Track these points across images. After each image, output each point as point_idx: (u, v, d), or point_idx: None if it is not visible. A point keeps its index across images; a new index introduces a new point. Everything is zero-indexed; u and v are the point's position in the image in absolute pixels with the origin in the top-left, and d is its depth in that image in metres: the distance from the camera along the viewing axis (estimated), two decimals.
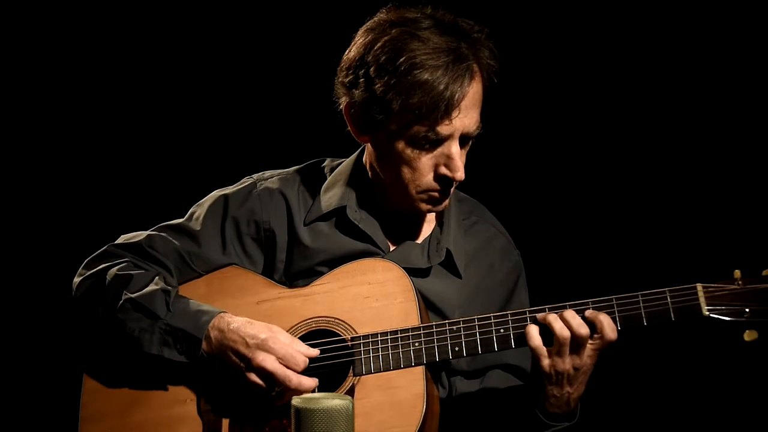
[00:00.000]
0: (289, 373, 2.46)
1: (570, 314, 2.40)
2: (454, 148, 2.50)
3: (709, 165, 3.52)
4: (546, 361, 2.41)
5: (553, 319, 2.40)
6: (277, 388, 2.47)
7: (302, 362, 2.47)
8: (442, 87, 2.42)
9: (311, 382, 2.47)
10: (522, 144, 3.69)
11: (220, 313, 2.54)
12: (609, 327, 2.39)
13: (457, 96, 2.43)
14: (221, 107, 3.88)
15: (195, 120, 3.89)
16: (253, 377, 2.48)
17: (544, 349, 2.41)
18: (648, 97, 3.59)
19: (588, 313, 2.41)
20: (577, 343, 2.39)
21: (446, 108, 2.43)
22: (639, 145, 3.60)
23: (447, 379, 2.67)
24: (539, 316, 2.43)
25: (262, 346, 2.47)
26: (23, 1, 3.80)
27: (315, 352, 2.50)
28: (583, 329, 2.38)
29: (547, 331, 2.42)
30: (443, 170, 2.52)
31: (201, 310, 2.56)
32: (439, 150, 2.51)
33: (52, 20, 3.83)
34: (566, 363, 2.41)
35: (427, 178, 2.53)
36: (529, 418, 2.51)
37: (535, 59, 3.63)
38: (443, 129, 2.47)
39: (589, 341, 2.40)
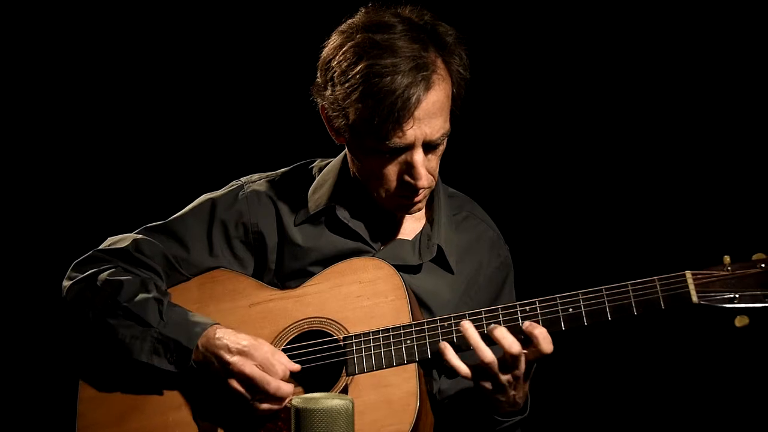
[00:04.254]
0: (268, 377, 2.46)
1: (500, 333, 2.38)
2: (417, 157, 2.46)
3: (695, 151, 3.52)
4: (485, 383, 2.41)
5: (480, 344, 2.39)
6: (257, 395, 2.47)
7: (280, 370, 2.47)
8: (393, 97, 2.38)
9: (289, 387, 2.47)
10: (509, 137, 3.69)
11: (213, 324, 2.54)
12: (545, 340, 2.38)
13: (408, 106, 2.39)
14: (210, 110, 3.88)
15: (184, 123, 3.88)
16: (234, 383, 2.48)
17: (476, 373, 2.40)
18: (633, 86, 3.59)
19: (525, 325, 2.40)
20: (513, 359, 2.37)
21: (397, 119, 2.40)
22: (625, 135, 3.60)
23: (438, 376, 2.67)
24: (469, 339, 2.40)
25: (242, 352, 2.48)
26: (23, 1, 3.81)
27: (296, 367, 2.51)
28: (515, 348, 2.37)
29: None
30: (407, 178, 2.50)
31: (194, 320, 2.56)
32: (402, 157, 2.48)
33: (42, 21, 3.83)
34: (503, 378, 2.40)
35: (394, 184, 2.52)
36: (484, 416, 2.51)
37: (518, 53, 3.63)
38: (397, 140, 2.44)
39: (524, 351, 2.39)
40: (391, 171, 2.51)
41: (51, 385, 3.74)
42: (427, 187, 2.52)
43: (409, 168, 2.49)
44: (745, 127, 3.46)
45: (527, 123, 3.68)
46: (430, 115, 2.44)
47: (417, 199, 2.55)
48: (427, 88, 2.41)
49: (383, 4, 2.56)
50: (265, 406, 2.48)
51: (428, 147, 2.48)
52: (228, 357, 2.48)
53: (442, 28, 2.49)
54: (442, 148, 2.52)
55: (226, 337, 2.50)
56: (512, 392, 2.43)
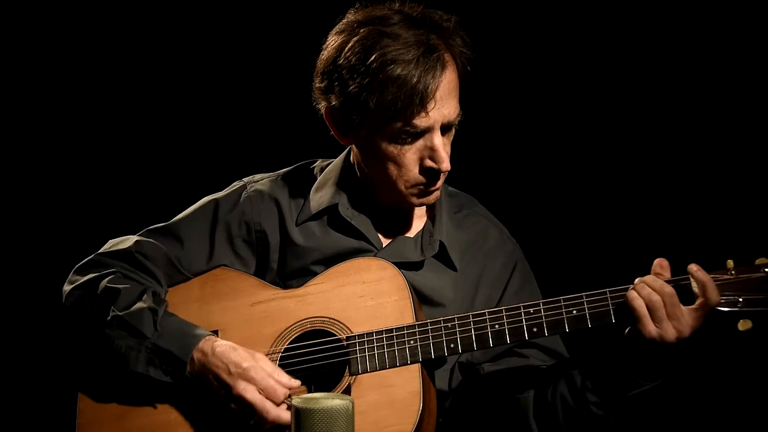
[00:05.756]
0: (268, 405, 2.44)
1: (650, 278, 2.38)
2: (437, 140, 2.51)
3: (700, 155, 3.53)
4: (650, 327, 2.36)
5: (641, 288, 2.38)
6: (254, 418, 2.46)
7: (282, 395, 2.46)
8: (414, 80, 2.43)
9: (288, 416, 2.43)
10: (512, 138, 3.70)
11: (208, 335, 2.53)
12: (712, 289, 2.35)
13: (430, 88, 2.44)
14: (212, 112, 3.88)
15: (186, 124, 3.88)
16: (233, 405, 2.47)
17: (648, 317, 2.37)
18: (639, 89, 3.59)
19: (691, 269, 2.37)
20: (669, 304, 2.35)
21: (421, 101, 2.45)
22: (631, 137, 3.61)
23: (464, 370, 2.66)
24: (637, 287, 2.38)
25: (244, 375, 2.46)
26: (23, 1, 3.80)
27: (296, 383, 2.49)
28: (667, 288, 2.36)
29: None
30: (429, 163, 2.53)
31: (188, 332, 2.55)
32: (422, 142, 2.52)
33: (42, 21, 3.83)
34: (670, 332, 2.36)
35: (414, 172, 2.54)
36: (614, 382, 2.48)
37: (522, 49, 3.64)
38: (421, 122, 2.48)
39: (692, 307, 2.37)
40: (412, 159, 2.52)
41: (52, 381, 3.74)
42: (447, 171, 2.54)
43: (430, 152, 2.51)
44: (750, 132, 3.46)
45: (531, 125, 3.68)
46: (448, 96, 2.49)
47: (437, 185, 2.57)
48: (443, 69, 2.47)
49: (370, 2, 2.58)
50: (265, 428, 2.46)
51: (444, 129, 2.52)
52: (228, 380, 2.46)
53: (436, 14, 2.53)
54: (453, 132, 2.56)
55: (225, 355, 2.48)
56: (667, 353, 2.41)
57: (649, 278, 2.40)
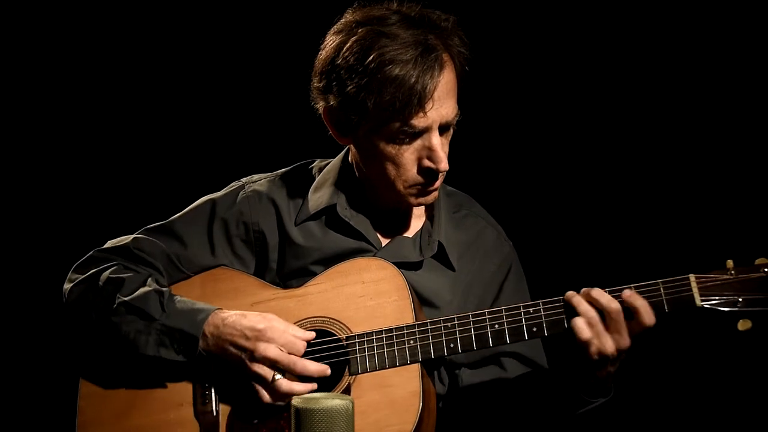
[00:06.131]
0: (293, 358, 2.49)
1: (597, 293, 2.40)
2: (435, 140, 2.51)
3: (699, 155, 3.53)
4: (593, 348, 2.39)
5: (579, 302, 2.40)
6: (279, 376, 2.49)
7: (302, 347, 2.51)
8: (412, 80, 2.44)
9: (316, 366, 2.50)
10: (513, 139, 3.70)
11: (215, 309, 2.56)
12: (647, 313, 2.38)
13: (428, 88, 2.45)
14: (210, 112, 3.88)
15: (184, 125, 3.88)
16: (257, 368, 2.50)
17: (591, 337, 2.39)
18: (639, 88, 3.59)
19: (625, 296, 2.39)
20: (613, 320, 2.38)
21: (419, 101, 2.45)
22: (630, 137, 3.61)
23: (448, 373, 2.67)
24: (573, 300, 2.41)
25: (262, 337, 2.49)
26: (23, 1, 3.81)
27: (311, 335, 2.53)
28: (614, 304, 2.38)
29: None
30: (427, 163, 2.53)
31: (196, 308, 2.57)
32: (420, 142, 2.52)
33: (42, 21, 3.83)
34: (609, 345, 2.38)
35: (412, 172, 2.55)
36: (565, 398, 2.51)
37: (521, 49, 3.64)
38: (419, 122, 2.48)
39: (631, 322, 2.39)
40: (410, 159, 2.53)
41: (52, 381, 3.75)
42: (445, 171, 2.55)
43: (428, 152, 2.52)
44: (750, 132, 3.47)
45: (529, 126, 3.69)
46: (446, 96, 2.49)
47: (436, 185, 2.57)
48: (441, 69, 2.47)
49: (369, 2, 2.59)
50: (285, 387, 2.49)
51: (443, 129, 2.52)
52: (247, 344, 2.50)
53: (434, 14, 2.53)
54: (451, 132, 2.56)
55: (237, 322, 2.52)
56: (610, 368, 2.43)
57: (595, 292, 2.41)
